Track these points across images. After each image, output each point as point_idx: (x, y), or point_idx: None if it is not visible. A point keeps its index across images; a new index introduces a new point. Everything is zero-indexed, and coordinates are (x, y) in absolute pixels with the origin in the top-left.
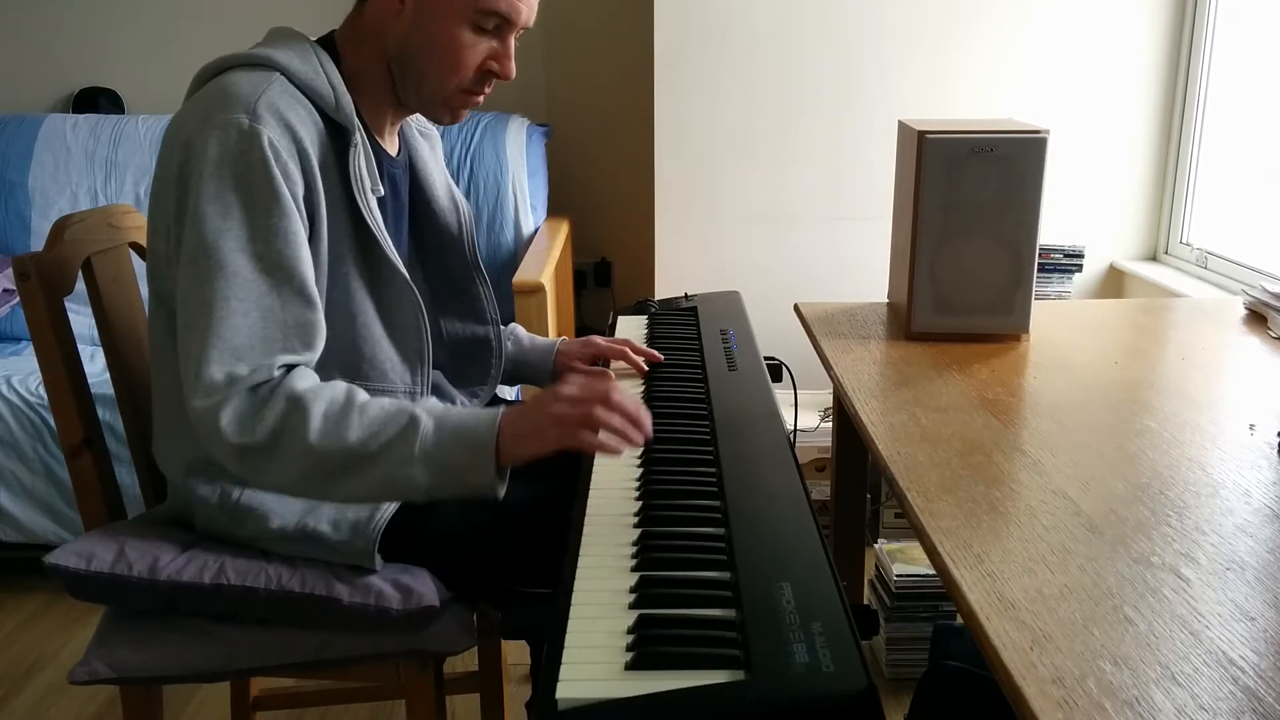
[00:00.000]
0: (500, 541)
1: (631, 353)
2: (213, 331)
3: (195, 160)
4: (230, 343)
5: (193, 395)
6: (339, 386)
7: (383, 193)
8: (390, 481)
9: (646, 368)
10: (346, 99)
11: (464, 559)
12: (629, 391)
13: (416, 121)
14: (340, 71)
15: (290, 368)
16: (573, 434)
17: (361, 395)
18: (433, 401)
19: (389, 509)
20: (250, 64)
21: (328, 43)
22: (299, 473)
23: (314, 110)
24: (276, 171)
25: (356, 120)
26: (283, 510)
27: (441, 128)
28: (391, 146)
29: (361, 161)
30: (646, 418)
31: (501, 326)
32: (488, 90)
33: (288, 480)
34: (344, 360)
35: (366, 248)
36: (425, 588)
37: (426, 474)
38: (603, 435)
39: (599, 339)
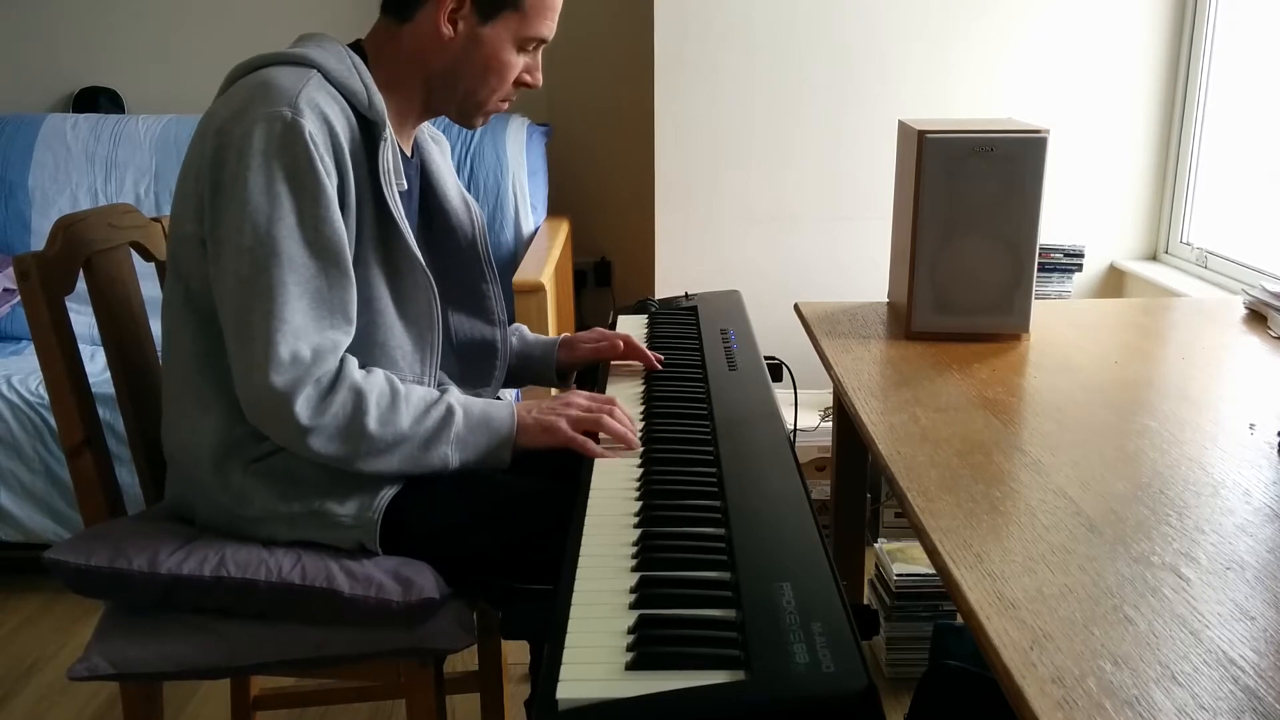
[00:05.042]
0: (499, 535)
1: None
2: (275, 314)
3: (238, 149)
4: (292, 324)
5: (264, 372)
6: (379, 375)
7: (406, 187)
8: (425, 460)
9: (656, 364)
10: (378, 98)
11: (463, 553)
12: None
13: (427, 128)
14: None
15: (343, 358)
16: (580, 435)
17: (397, 382)
18: (454, 388)
19: (394, 488)
20: (289, 61)
21: (356, 50)
22: (350, 450)
23: (347, 107)
24: (319, 162)
25: (387, 117)
26: (290, 490)
27: (443, 131)
28: (408, 149)
29: (390, 156)
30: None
31: (507, 330)
32: (514, 97)
33: (340, 456)
34: (355, 345)
35: (388, 238)
36: (425, 580)
37: (458, 455)
38: (604, 441)
39: (603, 330)
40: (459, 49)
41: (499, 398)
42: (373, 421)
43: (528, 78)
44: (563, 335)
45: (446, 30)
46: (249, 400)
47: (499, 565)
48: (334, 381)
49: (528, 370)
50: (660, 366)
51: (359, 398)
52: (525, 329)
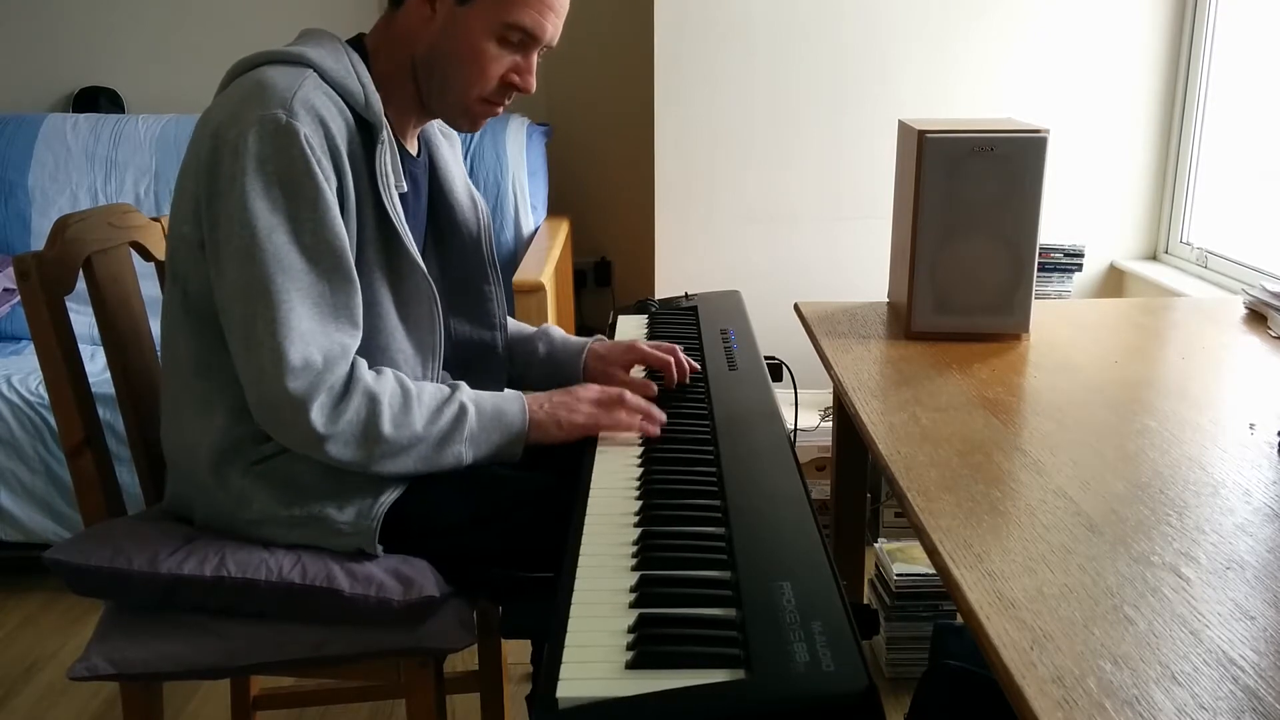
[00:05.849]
0: (500, 533)
1: (675, 363)
2: (280, 321)
3: (233, 151)
4: (299, 329)
5: (277, 379)
6: (389, 376)
7: (405, 189)
8: (439, 459)
9: (677, 381)
10: (376, 98)
11: (464, 550)
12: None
13: (437, 123)
14: (370, 73)
15: (354, 362)
16: (593, 430)
17: (408, 381)
18: (464, 385)
19: (393, 494)
20: (285, 61)
21: (357, 45)
22: (366, 454)
23: (345, 108)
24: (315, 165)
25: (384, 118)
26: (290, 493)
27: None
28: (412, 148)
29: (388, 158)
30: (661, 415)
31: (507, 332)
32: (508, 102)
33: (356, 460)
34: (359, 348)
35: (388, 241)
36: (425, 579)
37: (471, 453)
38: (620, 436)
39: (644, 345)
40: (438, 32)
41: None
42: (387, 425)
43: (516, 78)
44: (593, 340)
45: (426, 10)
46: (262, 406)
47: (500, 562)
48: (346, 387)
49: (559, 374)
50: (698, 368)
51: (372, 402)
52: (555, 330)
